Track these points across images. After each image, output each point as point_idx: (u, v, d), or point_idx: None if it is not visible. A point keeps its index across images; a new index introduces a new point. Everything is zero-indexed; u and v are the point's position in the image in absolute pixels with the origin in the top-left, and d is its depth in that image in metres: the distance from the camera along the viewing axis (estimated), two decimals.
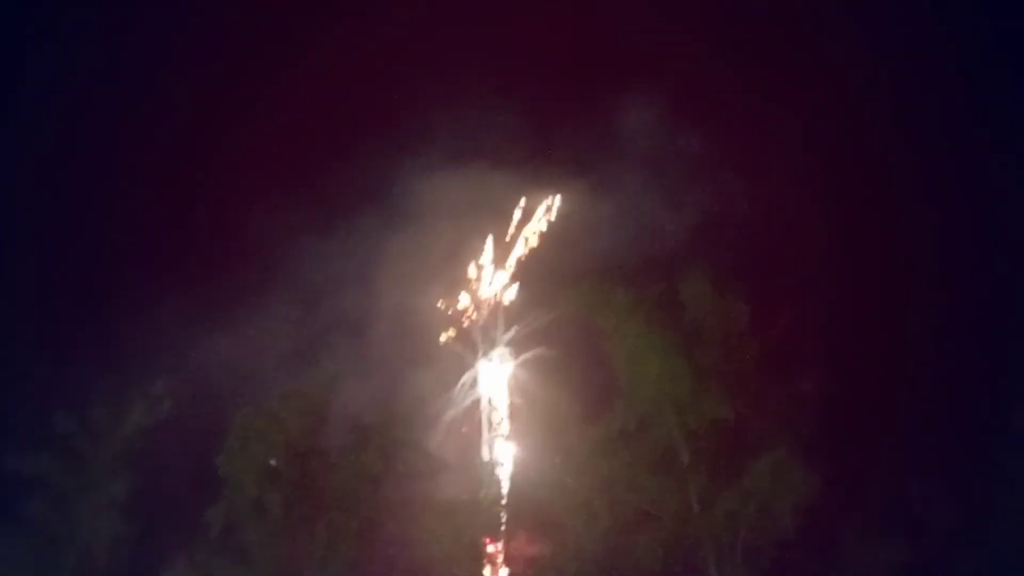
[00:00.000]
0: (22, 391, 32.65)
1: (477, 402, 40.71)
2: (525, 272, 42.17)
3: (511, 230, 42.33)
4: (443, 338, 41.24)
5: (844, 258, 37.18)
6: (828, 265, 37.06)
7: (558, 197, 41.73)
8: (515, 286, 42.02)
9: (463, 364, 41.05)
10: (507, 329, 41.48)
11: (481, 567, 32.68)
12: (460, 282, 42.14)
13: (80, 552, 30.71)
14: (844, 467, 32.91)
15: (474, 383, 40.89)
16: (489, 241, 42.31)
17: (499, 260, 42.63)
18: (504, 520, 34.07)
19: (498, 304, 42.10)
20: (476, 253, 42.58)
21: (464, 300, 42.04)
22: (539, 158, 41.00)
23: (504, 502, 34.88)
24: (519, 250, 42.33)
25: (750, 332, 34.33)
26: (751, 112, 41.33)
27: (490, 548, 33.72)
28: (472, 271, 42.32)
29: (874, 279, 37.20)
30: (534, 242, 42.03)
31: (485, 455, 37.60)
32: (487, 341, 41.53)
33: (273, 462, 33.40)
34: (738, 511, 31.84)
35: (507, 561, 33.06)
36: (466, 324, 41.74)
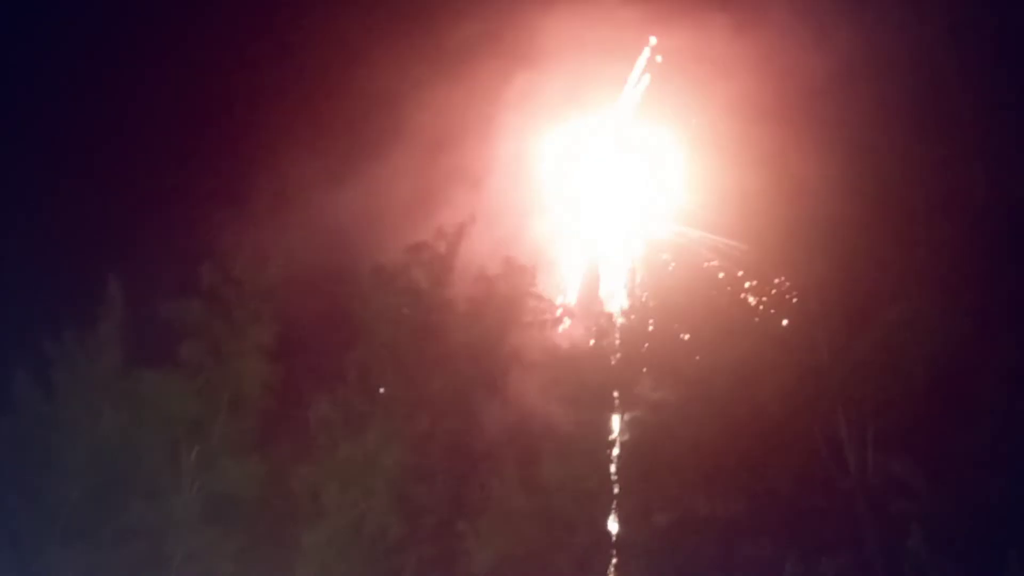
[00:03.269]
0: (172, 247, 34.77)
1: (603, 252, 40.78)
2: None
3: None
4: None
5: (987, 104, 34.22)
6: (973, 109, 34.32)
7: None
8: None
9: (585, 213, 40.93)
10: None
11: (604, 411, 33.61)
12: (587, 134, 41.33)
13: (233, 392, 33.10)
14: (981, 319, 31.55)
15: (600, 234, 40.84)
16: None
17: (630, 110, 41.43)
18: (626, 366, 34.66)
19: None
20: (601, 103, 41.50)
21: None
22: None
23: (626, 350, 35.37)
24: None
25: (886, 178, 32.82)
26: None
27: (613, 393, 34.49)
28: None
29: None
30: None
31: (609, 304, 37.91)
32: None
33: (404, 310, 34.89)
34: (868, 360, 31.38)
35: (628, 406, 33.80)
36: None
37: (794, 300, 32.78)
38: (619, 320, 36.05)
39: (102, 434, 32.05)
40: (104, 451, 31.98)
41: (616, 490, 32.67)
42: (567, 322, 36.04)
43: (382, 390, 33.92)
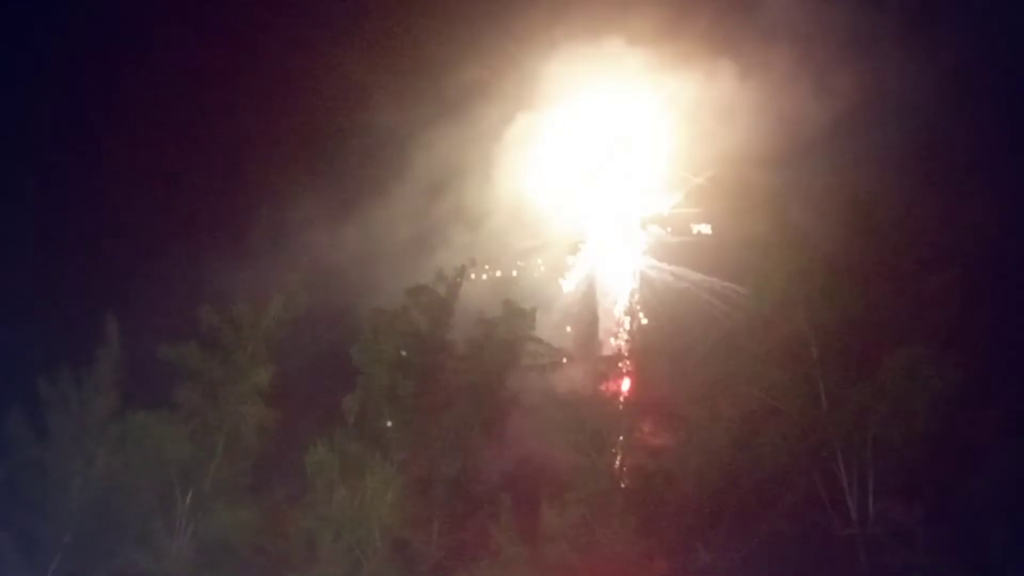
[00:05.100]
0: (170, 289, 34.71)
1: (601, 296, 40.82)
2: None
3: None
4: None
5: (988, 151, 34.58)
6: (973, 156, 34.64)
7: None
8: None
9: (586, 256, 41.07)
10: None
11: (604, 457, 33.34)
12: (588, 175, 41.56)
13: (229, 435, 32.87)
14: (982, 365, 31.45)
15: (595, 277, 40.92)
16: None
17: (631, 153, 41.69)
18: (626, 412, 34.47)
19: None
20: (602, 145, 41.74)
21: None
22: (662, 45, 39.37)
23: (625, 395, 35.24)
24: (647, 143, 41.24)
25: (886, 223, 32.93)
26: None
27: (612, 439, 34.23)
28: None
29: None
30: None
31: (607, 348, 37.83)
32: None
33: (403, 353, 34.77)
34: (869, 408, 31.25)
35: (628, 452, 33.55)
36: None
37: (795, 347, 32.63)
38: (619, 365, 36.02)
39: (95, 477, 31.85)
40: (97, 495, 31.77)
41: (615, 537, 32.33)
42: (567, 367, 36.03)
43: (379, 434, 33.73)
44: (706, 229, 37.24)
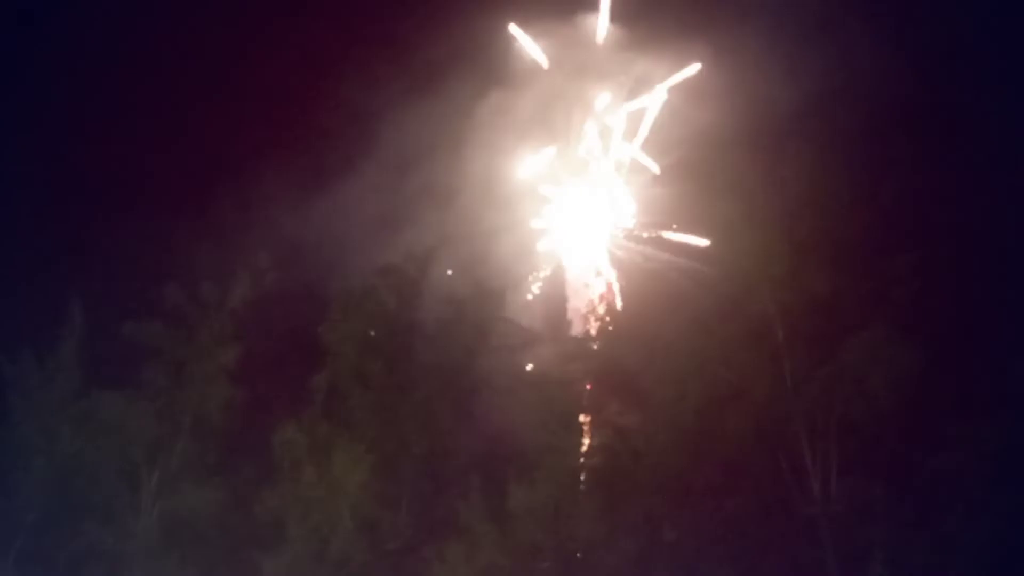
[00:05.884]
0: (135, 267, 34.19)
1: (570, 276, 40.89)
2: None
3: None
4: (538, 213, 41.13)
5: (952, 133, 34.99)
6: (936, 138, 35.02)
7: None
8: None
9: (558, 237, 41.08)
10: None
11: (572, 437, 33.52)
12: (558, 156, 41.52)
13: (195, 415, 32.61)
14: (944, 346, 31.96)
15: (565, 257, 40.98)
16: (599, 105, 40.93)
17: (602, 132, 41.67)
18: (593, 392, 34.68)
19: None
20: (576, 124, 41.68)
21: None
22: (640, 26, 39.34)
23: (593, 375, 35.41)
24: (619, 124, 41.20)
25: (851, 207, 33.26)
26: None
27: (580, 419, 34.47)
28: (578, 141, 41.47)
29: (984, 153, 35.05)
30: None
31: (576, 328, 37.96)
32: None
33: (372, 333, 34.63)
34: (833, 388, 31.67)
35: (596, 432, 33.76)
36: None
37: (761, 328, 32.94)
38: (587, 345, 36.16)
39: (59, 456, 31.44)
40: (61, 474, 31.40)
41: (582, 516, 32.58)
42: (535, 347, 36.11)
43: (348, 414, 33.63)
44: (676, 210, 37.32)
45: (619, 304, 38.38)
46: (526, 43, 39.74)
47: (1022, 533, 29.59)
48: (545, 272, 40.72)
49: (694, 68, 39.09)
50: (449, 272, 35.37)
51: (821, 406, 31.83)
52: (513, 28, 40.26)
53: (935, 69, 35.84)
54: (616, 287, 39.60)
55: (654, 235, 38.05)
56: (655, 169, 38.68)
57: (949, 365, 31.83)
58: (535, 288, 40.09)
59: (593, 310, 37.96)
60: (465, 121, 38.01)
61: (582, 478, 33.27)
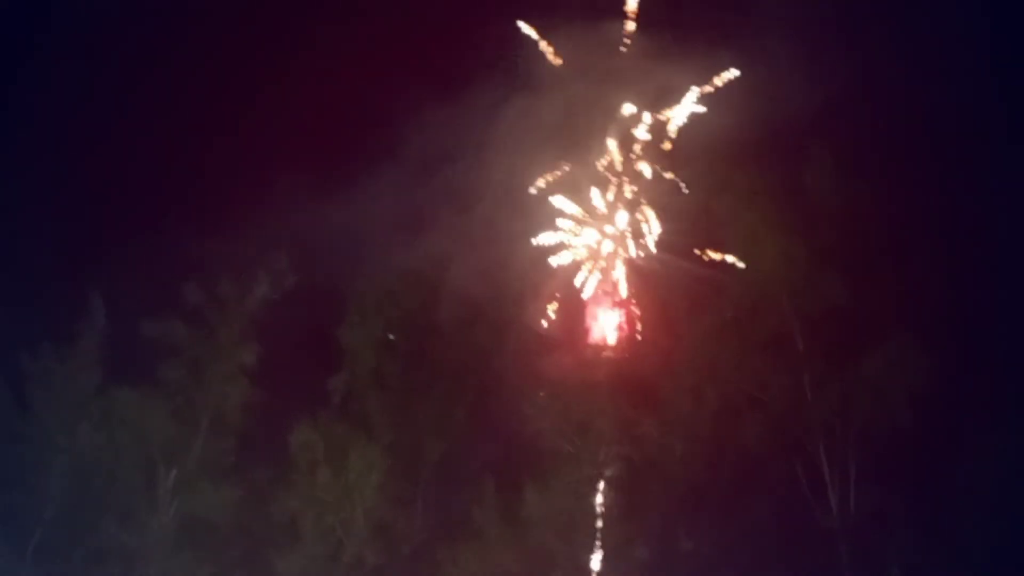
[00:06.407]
0: (156, 265, 34.28)
1: (589, 283, 40.77)
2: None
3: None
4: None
5: (975, 140, 34.67)
6: (958, 146, 34.73)
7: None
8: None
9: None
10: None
11: (588, 444, 33.44)
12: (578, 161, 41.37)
13: (213, 414, 32.69)
14: (964, 356, 31.74)
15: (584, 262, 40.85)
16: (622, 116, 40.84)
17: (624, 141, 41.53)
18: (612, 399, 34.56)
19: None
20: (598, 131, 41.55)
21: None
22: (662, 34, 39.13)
23: (610, 382, 35.30)
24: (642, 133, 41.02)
25: (872, 216, 33.09)
26: None
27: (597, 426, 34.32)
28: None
29: (1007, 161, 34.71)
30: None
31: (595, 335, 37.91)
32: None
33: (391, 335, 34.71)
34: (852, 399, 31.50)
35: (613, 439, 33.64)
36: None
37: (780, 337, 32.81)
38: (606, 353, 36.12)
39: (78, 453, 31.57)
40: (79, 470, 31.50)
41: (598, 523, 32.52)
42: (554, 352, 36.07)
43: (365, 415, 33.67)
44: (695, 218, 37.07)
45: (637, 312, 38.23)
46: (541, 43, 39.54)
47: None
48: (565, 277, 40.64)
49: (731, 73, 38.75)
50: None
51: (839, 415, 31.72)
52: (524, 26, 40.02)
53: (957, 76, 35.55)
54: (634, 293, 39.39)
55: (675, 244, 37.91)
56: (676, 177, 38.35)
57: (968, 375, 31.59)
58: (553, 294, 39.97)
59: (610, 315, 37.90)
60: (488, 125, 37.96)
61: (598, 486, 33.19)
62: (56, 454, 31.26)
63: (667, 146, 40.02)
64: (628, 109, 40.45)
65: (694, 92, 39.40)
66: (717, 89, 38.08)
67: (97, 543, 30.93)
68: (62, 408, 31.89)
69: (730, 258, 34.32)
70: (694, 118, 39.16)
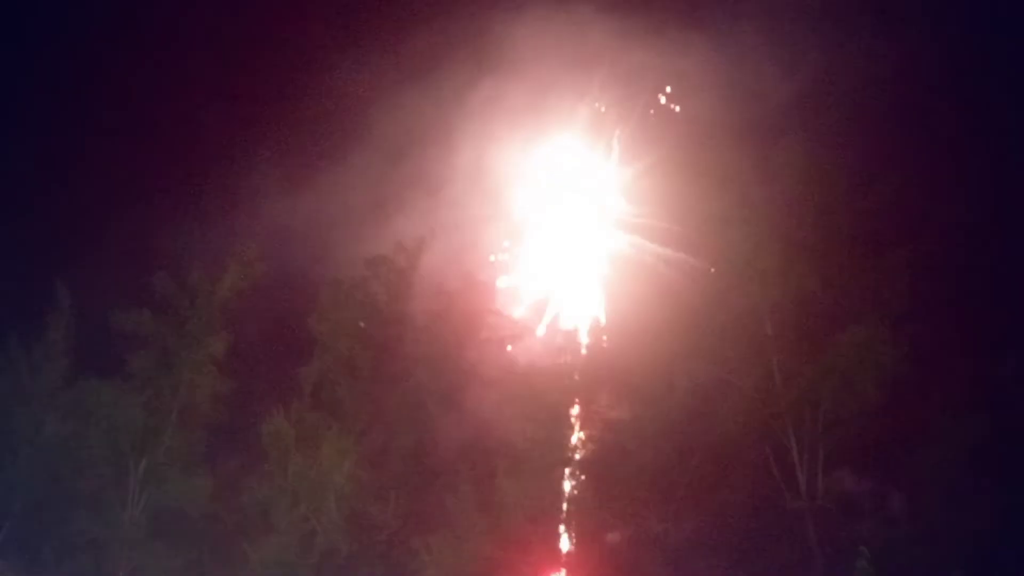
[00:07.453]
0: (125, 255, 34.01)
1: (559, 267, 40.80)
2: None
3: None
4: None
5: (945, 129, 35.02)
6: (928, 134, 35.07)
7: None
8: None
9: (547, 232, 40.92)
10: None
11: (560, 429, 33.59)
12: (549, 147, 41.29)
13: (183, 404, 32.55)
14: (931, 342, 32.11)
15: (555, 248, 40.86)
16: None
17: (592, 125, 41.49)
18: (583, 384, 34.72)
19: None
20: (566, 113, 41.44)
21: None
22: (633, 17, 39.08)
23: (584, 367, 35.46)
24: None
25: (841, 202, 33.37)
26: None
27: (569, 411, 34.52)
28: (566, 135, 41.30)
29: (977, 150, 35.10)
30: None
31: (566, 322, 37.97)
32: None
33: (362, 324, 34.60)
34: (820, 383, 31.81)
35: (585, 424, 33.85)
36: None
37: (749, 322, 33.04)
38: (576, 338, 36.21)
39: (45, 445, 31.35)
40: (47, 462, 31.29)
41: (570, 508, 32.69)
42: (525, 339, 36.13)
43: (336, 405, 33.61)
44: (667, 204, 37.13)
45: (607, 297, 38.35)
46: (518, 29, 39.40)
47: (1006, 527, 29.84)
48: (535, 263, 40.62)
49: (704, 58, 38.76)
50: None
51: (809, 401, 31.99)
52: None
53: (928, 63, 35.86)
54: (605, 278, 39.49)
55: (644, 226, 37.97)
56: (647, 160, 38.39)
57: (936, 361, 31.98)
58: (523, 279, 39.95)
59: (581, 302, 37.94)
60: (456, 109, 37.80)
61: (569, 472, 33.36)
62: (25, 446, 31.03)
63: (638, 130, 40.11)
64: (597, 90, 40.50)
65: (666, 75, 39.48)
66: (690, 73, 38.13)
67: (67, 535, 30.76)
68: (30, 400, 31.67)
69: (697, 239, 34.33)
70: (666, 102, 39.22)
